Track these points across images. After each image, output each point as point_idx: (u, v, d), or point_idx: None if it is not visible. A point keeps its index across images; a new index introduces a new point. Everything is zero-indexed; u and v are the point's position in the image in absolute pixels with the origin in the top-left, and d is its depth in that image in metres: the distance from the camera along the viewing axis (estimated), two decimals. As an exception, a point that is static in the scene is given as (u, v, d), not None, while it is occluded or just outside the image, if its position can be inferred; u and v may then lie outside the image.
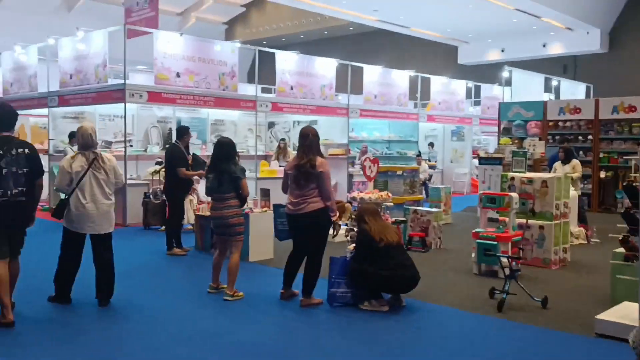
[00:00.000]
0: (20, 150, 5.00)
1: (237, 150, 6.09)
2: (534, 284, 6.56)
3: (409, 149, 16.96)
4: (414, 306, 5.69)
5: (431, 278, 6.83)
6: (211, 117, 14.24)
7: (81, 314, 5.36)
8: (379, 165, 7.01)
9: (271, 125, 16.31)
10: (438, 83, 18.04)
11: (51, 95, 12.22)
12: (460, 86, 18.90)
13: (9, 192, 4.87)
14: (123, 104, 10.63)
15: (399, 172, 10.41)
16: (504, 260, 6.00)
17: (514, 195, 7.15)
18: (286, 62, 13.39)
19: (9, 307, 4.93)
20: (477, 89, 20.15)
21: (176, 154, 8.03)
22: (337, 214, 5.55)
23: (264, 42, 24.95)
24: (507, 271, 5.74)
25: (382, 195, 6.31)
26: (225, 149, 5.84)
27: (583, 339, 4.85)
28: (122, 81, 10.64)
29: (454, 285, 6.59)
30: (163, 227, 9.41)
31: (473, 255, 7.06)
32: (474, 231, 7.18)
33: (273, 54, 13.43)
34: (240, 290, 5.85)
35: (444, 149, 19.37)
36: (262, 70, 13.34)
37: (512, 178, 7.88)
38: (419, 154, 16.36)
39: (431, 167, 17.62)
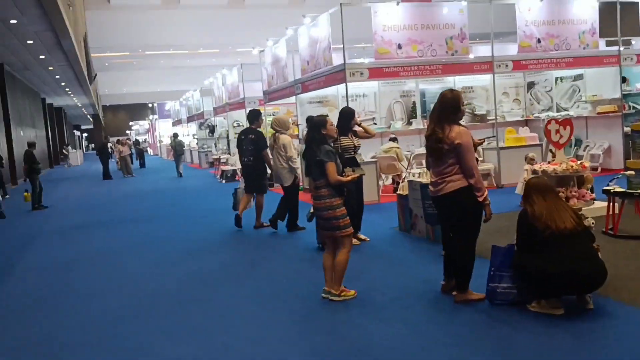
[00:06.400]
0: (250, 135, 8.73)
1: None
2: None
3: None
4: (605, 310, 4.32)
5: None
6: (458, 85, 13.39)
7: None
8: (572, 128, 5.46)
9: (530, 85, 14.57)
10: None
11: (296, 84, 13.01)
12: None
13: (244, 159, 8.79)
14: (345, 84, 10.64)
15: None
16: None
17: None
18: (529, 12, 11.69)
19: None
20: None
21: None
22: (485, 193, 4.48)
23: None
24: None
25: (572, 167, 4.91)
26: (309, 132, 5.08)
27: None
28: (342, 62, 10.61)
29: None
30: None
31: None
32: None
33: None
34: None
35: None
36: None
37: None
38: None
39: None
